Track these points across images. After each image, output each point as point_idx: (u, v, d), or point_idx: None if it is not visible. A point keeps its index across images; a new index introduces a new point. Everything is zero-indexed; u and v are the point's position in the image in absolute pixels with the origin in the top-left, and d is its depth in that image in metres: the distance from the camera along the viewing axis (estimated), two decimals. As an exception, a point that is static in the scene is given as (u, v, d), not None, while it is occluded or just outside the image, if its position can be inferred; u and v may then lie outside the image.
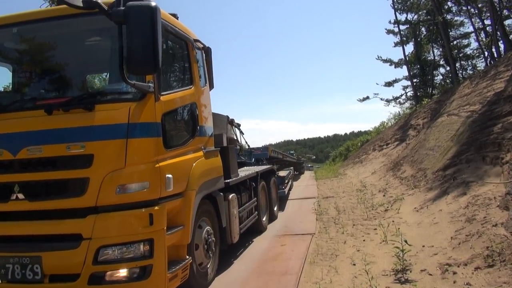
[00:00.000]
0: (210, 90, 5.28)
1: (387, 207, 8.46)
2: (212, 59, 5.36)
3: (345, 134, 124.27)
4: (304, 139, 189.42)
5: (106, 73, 4.30)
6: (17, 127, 3.48)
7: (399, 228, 6.08)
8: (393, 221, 6.82)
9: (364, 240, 6.06)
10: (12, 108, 3.64)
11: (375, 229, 6.66)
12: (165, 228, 3.53)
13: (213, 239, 4.75)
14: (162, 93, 3.76)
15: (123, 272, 3.35)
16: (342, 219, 7.91)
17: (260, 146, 12.07)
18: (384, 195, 10.29)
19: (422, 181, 9.65)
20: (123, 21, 3.14)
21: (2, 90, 4.50)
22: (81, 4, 3.14)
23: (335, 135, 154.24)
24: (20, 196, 3.40)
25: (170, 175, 3.67)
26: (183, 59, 4.60)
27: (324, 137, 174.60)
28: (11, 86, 4.27)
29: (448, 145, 10.29)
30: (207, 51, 5.24)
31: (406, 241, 4.64)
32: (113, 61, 3.40)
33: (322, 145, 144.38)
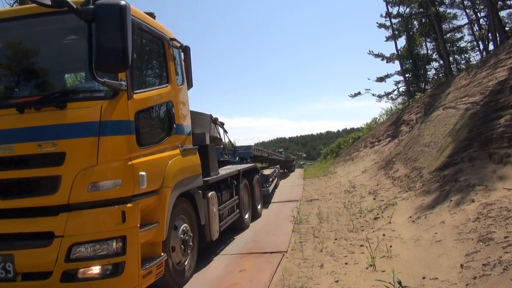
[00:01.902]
0: (188, 89, 5.44)
1: (377, 214, 7.51)
2: (191, 58, 5.52)
3: (338, 131, 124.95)
4: (297, 136, 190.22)
5: (81, 72, 4.42)
6: None
7: (391, 246, 5.13)
8: (383, 235, 5.86)
9: (346, 264, 4.90)
10: None
11: (361, 245, 5.52)
12: (138, 225, 3.68)
13: (191, 236, 4.91)
14: (135, 91, 3.90)
15: (95, 269, 3.48)
16: (324, 230, 6.97)
17: (250, 144, 12.22)
18: (374, 198, 9.37)
19: (418, 182, 8.77)
20: (92, 19, 3.28)
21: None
22: (49, 3, 3.27)
23: (328, 132, 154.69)
24: None
25: (143, 173, 3.81)
26: (159, 58, 4.75)
27: (317, 134, 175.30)
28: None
29: (446, 141, 9.49)
30: (185, 50, 5.39)
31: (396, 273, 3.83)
32: (86, 60, 3.53)
33: (315, 142, 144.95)
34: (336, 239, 6.24)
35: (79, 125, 3.51)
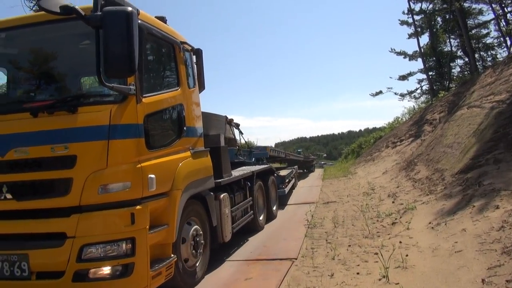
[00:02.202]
0: (200, 91, 5.52)
1: (395, 218, 7.16)
2: (203, 61, 5.60)
3: (360, 130, 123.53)
4: (318, 136, 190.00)
5: (91, 76, 4.55)
6: (5, 129, 3.75)
7: (407, 255, 4.89)
8: (400, 242, 5.58)
9: (358, 274, 4.71)
10: (0, 110, 3.92)
11: (376, 253, 5.25)
12: (147, 227, 3.77)
13: (202, 238, 4.98)
14: (144, 95, 3.99)
15: (106, 270, 3.59)
16: (338, 235, 6.69)
17: (271, 144, 12.24)
18: (393, 201, 9.01)
19: (439, 185, 8.35)
20: (100, 25, 3.39)
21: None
22: (58, 10, 3.40)
23: (350, 132, 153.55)
24: (8, 195, 3.67)
25: (153, 175, 3.90)
26: (169, 61, 4.84)
27: (338, 133, 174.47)
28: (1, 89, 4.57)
29: (470, 142, 9.09)
30: (197, 52, 5.48)
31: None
32: (95, 65, 3.64)
33: (336, 142, 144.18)
34: (349, 245, 5.96)
35: (90, 129, 3.63)
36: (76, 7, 3.43)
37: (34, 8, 12.66)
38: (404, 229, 6.25)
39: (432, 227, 5.84)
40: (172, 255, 4.18)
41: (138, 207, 3.71)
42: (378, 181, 13.91)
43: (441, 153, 10.85)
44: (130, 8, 3.45)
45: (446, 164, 9.54)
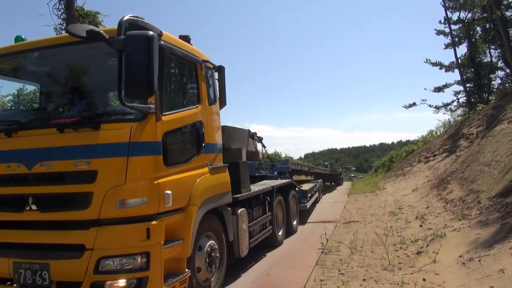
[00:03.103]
0: (221, 107, 5.70)
1: (421, 247, 6.56)
2: (225, 78, 5.79)
3: (392, 143, 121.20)
4: (349, 147, 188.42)
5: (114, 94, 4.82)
6: (33, 143, 4.03)
7: None
8: (424, 280, 4.97)
9: None
10: (30, 126, 4.23)
11: None
12: (162, 242, 3.94)
13: (217, 253, 5.12)
14: (164, 113, 4.19)
15: (121, 283, 3.77)
16: (353, 265, 6.09)
17: (300, 155, 12.30)
18: (421, 225, 8.44)
19: (474, 208, 7.70)
20: (122, 48, 3.63)
21: (21, 109, 5.19)
22: (85, 35, 3.67)
23: (381, 144, 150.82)
24: (33, 207, 3.95)
25: (169, 191, 4.08)
26: (191, 80, 5.07)
27: (370, 146, 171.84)
28: (30, 105, 4.93)
29: (511, 161, 8.65)
30: (219, 69, 5.68)
31: None
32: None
33: (367, 154, 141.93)
34: (364, 279, 5.31)
35: (111, 146, 3.85)
36: (101, 31, 3.69)
37: (62, 16, 13.49)
38: (431, 261, 5.65)
39: (463, 263, 5.14)
40: (186, 270, 4.33)
41: (153, 222, 3.88)
42: (407, 199, 13.52)
43: (477, 172, 10.28)
44: (151, 32, 3.66)
45: (482, 185, 8.94)
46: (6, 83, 4.76)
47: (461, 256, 5.45)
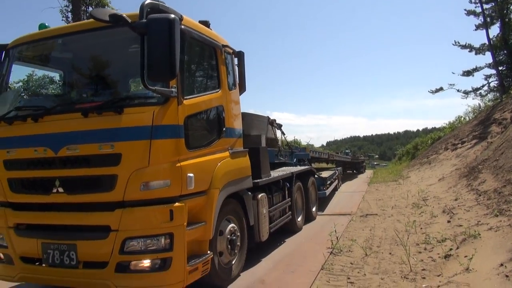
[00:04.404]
0: (241, 93, 5.67)
1: (450, 249, 5.49)
2: (244, 63, 5.75)
3: (417, 130, 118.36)
4: (372, 135, 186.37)
5: (137, 79, 4.83)
6: (59, 128, 4.08)
7: None
8: None
9: None
10: (55, 110, 4.27)
11: None
12: (185, 223, 3.95)
13: (238, 236, 5.13)
14: (186, 97, 4.18)
15: (146, 263, 3.83)
16: (366, 270, 5.10)
17: (322, 143, 12.21)
18: (449, 221, 7.29)
19: None
20: (145, 32, 3.62)
21: (47, 94, 5.25)
22: (107, 19, 3.67)
23: (406, 132, 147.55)
24: (60, 189, 4.01)
25: (191, 174, 4.09)
26: (211, 64, 5.03)
27: (394, 133, 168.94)
28: (55, 91, 4.98)
29: None
30: (239, 55, 5.64)
31: None
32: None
33: (391, 142, 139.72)
34: None
35: (134, 129, 3.86)
36: (124, 15, 3.68)
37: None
38: (462, 269, 4.53)
39: (506, 275, 3.96)
40: (208, 252, 4.35)
41: (176, 204, 3.90)
42: (432, 189, 12.41)
43: (516, 160, 8.96)
44: (173, 15, 3.65)
45: (521, 175, 7.69)
46: (15, 69, 4.77)
47: (502, 264, 4.27)
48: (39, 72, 5.38)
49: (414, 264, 5.10)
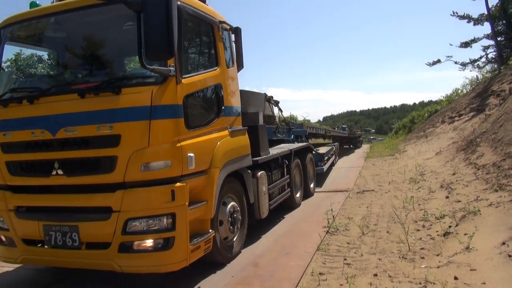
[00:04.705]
0: (239, 70, 5.58)
1: (449, 226, 5.34)
2: (241, 39, 5.62)
3: (414, 104, 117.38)
4: (368, 109, 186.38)
5: (134, 58, 4.72)
6: (56, 109, 4.00)
7: None
8: (455, 279, 3.73)
9: None
10: (51, 92, 4.18)
11: None
12: (186, 203, 3.95)
13: (239, 214, 5.16)
14: (184, 76, 4.10)
15: (149, 243, 3.85)
16: (363, 250, 4.92)
17: (319, 118, 12.15)
18: (447, 196, 7.10)
19: None
20: (141, 9, 3.50)
21: (42, 75, 5.12)
22: None
23: (403, 105, 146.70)
24: (59, 171, 3.97)
25: (192, 154, 4.05)
26: (208, 41, 4.92)
27: (390, 107, 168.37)
28: (50, 71, 4.86)
29: None
30: (236, 31, 5.50)
31: None
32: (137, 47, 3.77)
33: (388, 116, 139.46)
34: (376, 274, 4.11)
35: (132, 110, 3.79)
36: None
37: None
38: (462, 248, 4.38)
39: (509, 254, 3.75)
40: (210, 230, 4.38)
41: (178, 184, 3.88)
42: (429, 163, 12.21)
43: (514, 133, 8.65)
44: None
45: (522, 148, 7.38)
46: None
47: (504, 243, 4.06)
48: (27, 51, 5.23)
49: (413, 243, 4.95)
